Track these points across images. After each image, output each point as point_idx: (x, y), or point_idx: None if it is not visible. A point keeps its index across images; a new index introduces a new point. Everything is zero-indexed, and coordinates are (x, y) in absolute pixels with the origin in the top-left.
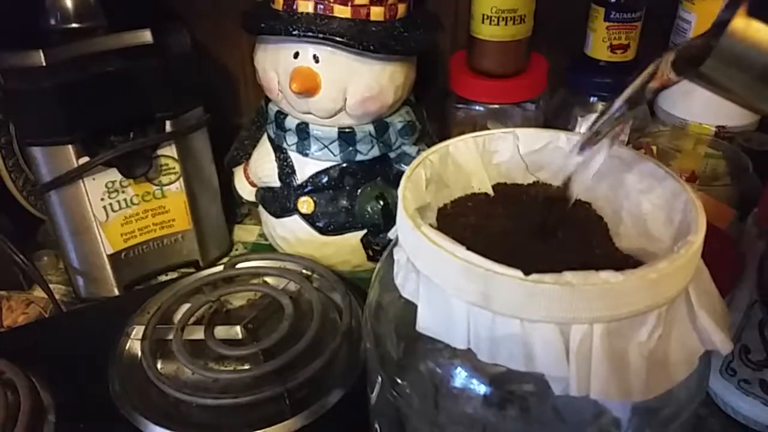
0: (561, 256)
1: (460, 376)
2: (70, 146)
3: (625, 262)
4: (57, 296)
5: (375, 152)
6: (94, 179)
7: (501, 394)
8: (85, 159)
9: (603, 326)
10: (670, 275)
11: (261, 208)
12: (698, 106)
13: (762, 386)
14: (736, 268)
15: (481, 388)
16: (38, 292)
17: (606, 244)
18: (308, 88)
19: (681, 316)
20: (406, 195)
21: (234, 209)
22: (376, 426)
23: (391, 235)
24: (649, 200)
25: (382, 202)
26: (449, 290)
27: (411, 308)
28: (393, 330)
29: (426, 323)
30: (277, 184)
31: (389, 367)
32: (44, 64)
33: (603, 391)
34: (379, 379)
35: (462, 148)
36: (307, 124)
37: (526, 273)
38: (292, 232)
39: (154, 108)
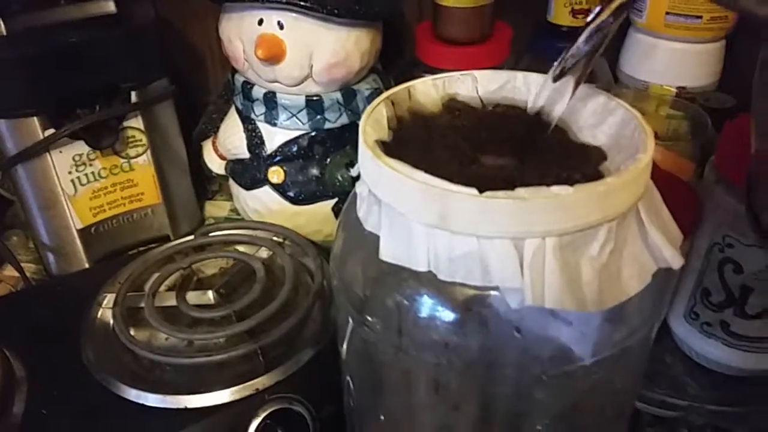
0: (522, 168)
1: (425, 304)
2: (35, 118)
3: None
4: (27, 275)
5: (343, 120)
6: (60, 152)
7: (463, 315)
8: (51, 131)
9: (555, 240)
10: (618, 190)
11: (231, 181)
12: (659, 68)
13: (723, 327)
14: (696, 213)
15: (445, 314)
16: (8, 271)
17: (569, 143)
18: (273, 54)
19: (632, 233)
20: (366, 129)
21: (204, 186)
22: (348, 379)
23: (353, 172)
24: (602, 131)
25: (352, 170)
26: (409, 215)
27: (374, 248)
28: (360, 272)
29: (388, 251)
30: (246, 155)
31: (358, 307)
32: (5, 33)
33: (557, 300)
34: (350, 322)
35: (422, 89)
36: (274, 94)
37: (481, 191)
38: (263, 204)
39: (119, 78)
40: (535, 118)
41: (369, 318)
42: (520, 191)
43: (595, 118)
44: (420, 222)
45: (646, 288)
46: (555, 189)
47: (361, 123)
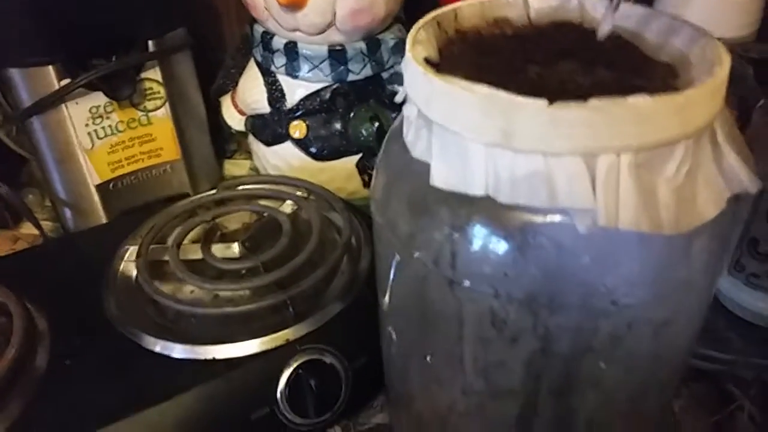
0: (586, 81)
1: (480, 235)
2: (50, 68)
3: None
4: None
5: (367, 71)
6: (77, 103)
7: (522, 243)
8: (67, 81)
9: (630, 157)
10: (698, 102)
11: (251, 138)
12: (695, 18)
13: None
14: None
15: (502, 243)
16: (25, 229)
17: (637, 58)
18: (296, 0)
19: (707, 155)
20: (415, 47)
21: (223, 145)
22: (389, 330)
23: (398, 97)
24: (666, 53)
25: (376, 124)
26: (466, 134)
27: (422, 178)
28: (405, 208)
29: (440, 177)
30: (266, 109)
31: (405, 243)
32: None
33: (633, 221)
34: (395, 259)
35: (468, 11)
36: (295, 44)
37: (551, 101)
38: (284, 160)
39: (136, 27)
40: (592, 32)
41: (417, 253)
42: (594, 102)
43: (659, 38)
44: (479, 141)
45: (715, 222)
46: (632, 99)
47: (408, 41)
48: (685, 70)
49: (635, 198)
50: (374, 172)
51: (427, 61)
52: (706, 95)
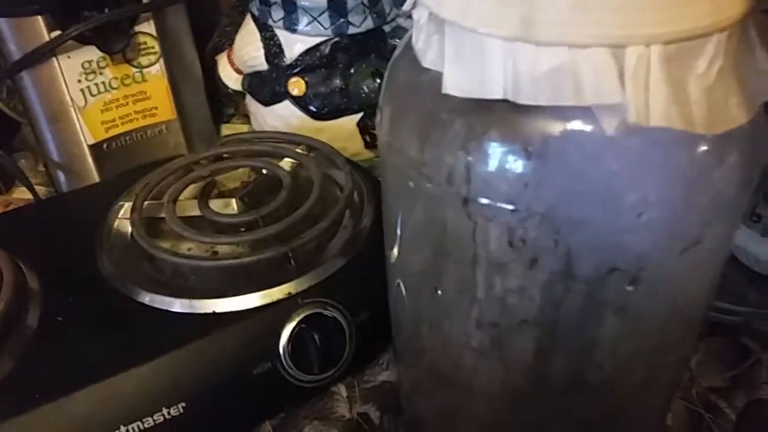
0: None
1: (496, 145)
2: (39, 18)
3: None
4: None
5: (368, 24)
6: (69, 57)
7: (541, 153)
8: (58, 33)
9: (660, 49)
10: None
11: (249, 99)
12: None
13: None
14: None
15: (519, 156)
16: (17, 194)
17: None
18: None
19: (740, 56)
20: None
21: (221, 109)
22: (398, 282)
23: (406, 5)
24: None
25: (378, 80)
26: (482, 29)
27: (433, 91)
28: (416, 133)
29: (454, 82)
30: (264, 66)
31: (416, 166)
32: None
33: (664, 116)
34: (409, 185)
35: None
36: None
37: None
38: (283, 120)
39: None
40: None
41: (429, 173)
42: None
43: None
44: (496, 35)
45: (745, 136)
46: None
47: None
48: None
49: (666, 92)
50: (379, 106)
51: None
52: None
